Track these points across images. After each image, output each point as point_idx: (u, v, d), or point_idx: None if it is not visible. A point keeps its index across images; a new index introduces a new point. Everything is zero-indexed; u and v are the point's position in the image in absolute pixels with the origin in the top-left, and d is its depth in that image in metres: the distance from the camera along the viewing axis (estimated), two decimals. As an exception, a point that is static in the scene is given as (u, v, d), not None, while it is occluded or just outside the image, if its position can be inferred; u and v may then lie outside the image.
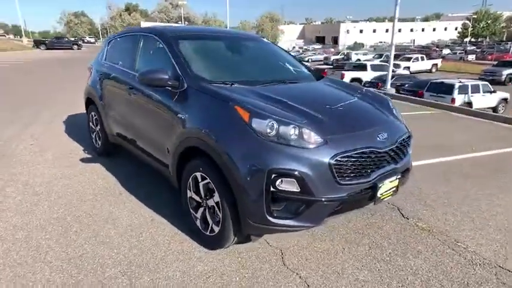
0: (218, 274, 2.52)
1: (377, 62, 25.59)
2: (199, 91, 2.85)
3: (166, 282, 2.43)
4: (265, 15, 76.68)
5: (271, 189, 2.27)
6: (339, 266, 2.64)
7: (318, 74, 3.86)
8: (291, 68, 3.85)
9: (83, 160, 4.77)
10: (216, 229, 2.68)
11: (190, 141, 2.74)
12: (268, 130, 2.30)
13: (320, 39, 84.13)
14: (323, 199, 2.31)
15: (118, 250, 2.77)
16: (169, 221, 3.21)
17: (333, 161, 2.29)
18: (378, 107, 3.06)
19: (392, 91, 13.85)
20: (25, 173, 4.27)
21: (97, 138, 4.92)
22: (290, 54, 4.22)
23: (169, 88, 2.98)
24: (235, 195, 2.40)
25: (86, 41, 72.19)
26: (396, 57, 32.51)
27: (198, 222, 2.88)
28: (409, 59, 29.93)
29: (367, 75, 20.10)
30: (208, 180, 2.62)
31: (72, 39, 56.00)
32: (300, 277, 2.51)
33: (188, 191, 2.90)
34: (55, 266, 2.57)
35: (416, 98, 11.67)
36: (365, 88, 3.61)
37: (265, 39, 4.21)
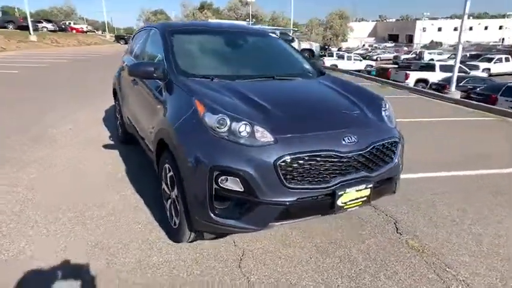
0: (169, 267, 2.52)
1: (450, 62, 23.21)
2: (176, 84, 2.87)
3: (119, 267, 2.50)
4: (335, 12, 74.42)
5: (215, 186, 2.19)
6: (295, 276, 2.46)
7: (320, 72, 3.63)
8: (289, 64, 3.69)
9: (105, 146, 5.14)
10: (177, 222, 2.68)
11: (161, 132, 2.78)
12: (218, 125, 2.23)
13: (393, 37, 79.05)
14: (267, 201, 2.16)
15: (92, 231, 2.93)
16: (151, 211, 3.30)
17: (279, 162, 2.13)
18: (361, 107, 2.75)
19: (457, 95, 12.42)
20: (49, 154, 4.72)
21: (119, 127, 5.26)
22: (298, 51, 4.01)
23: (158, 80, 3.06)
24: (185, 189, 2.37)
25: (161, 38, 77.59)
26: (476, 57, 29.22)
27: (167, 214, 2.92)
28: (490, 60, 26.57)
29: (435, 76, 18.30)
30: (172, 172, 2.63)
31: None
32: (248, 281, 2.39)
33: (162, 181, 2.95)
34: (32, 239, 2.81)
35: (481, 103, 10.27)
36: (359, 87, 3.28)
37: (273, 35, 4.06)
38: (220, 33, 3.77)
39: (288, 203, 2.18)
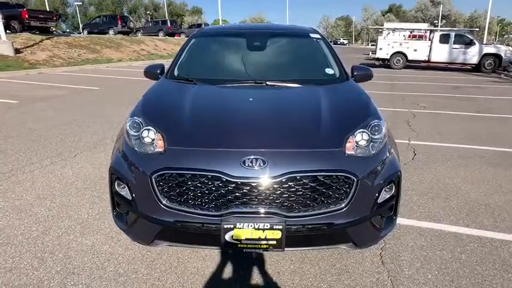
0: (105, 259, 2.45)
1: None
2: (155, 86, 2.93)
3: (69, 261, 2.40)
4: None
5: (115, 190, 2.13)
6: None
7: (345, 77, 2.91)
8: (304, 69, 3.12)
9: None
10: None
11: None
12: (130, 128, 2.13)
13: None
14: (146, 216, 1.93)
15: (60, 233, 2.64)
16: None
17: (155, 176, 1.85)
18: (325, 126, 2.05)
19: None
20: (77, 157, 4.51)
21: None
22: (333, 54, 3.24)
23: None
24: None
25: (339, 42, 78.69)
26: None
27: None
28: None
29: None
30: None
31: (328, 40, 62.53)
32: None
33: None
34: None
35: None
36: (363, 103, 2.43)
37: (315, 35, 3.44)
38: (242, 35, 3.51)
39: (166, 224, 1.88)
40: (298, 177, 1.76)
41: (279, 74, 2.95)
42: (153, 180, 1.84)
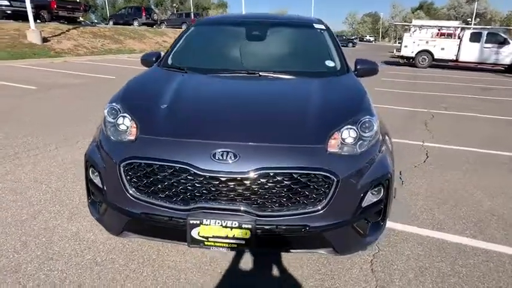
0: (85, 246, 2.33)
1: None
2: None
3: (49, 251, 2.33)
4: None
5: (89, 177, 2.08)
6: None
7: (345, 69, 2.73)
8: (303, 60, 2.96)
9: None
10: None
11: None
12: (108, 115, 2.05)
13: None
14: (114, 206, 1.87)
15: (48, 217, 2.63)
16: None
17: (123, 164, 1.78)
18: (311, 121, 1.90)
19: None
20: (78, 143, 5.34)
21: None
22: (336, 46, 3.05)
23: None
24: None
25: (365, 39, 76.88)
26: None
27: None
28: None
29: None
30: None
31: (353, 37, 61.65)
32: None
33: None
34: None
35: None
36: (357, 96, 2.24)
37: (319, 26, 3.27)
38: (243, 24, 3.37)
39: (130, 215, 1.81)
40: (271, 174, 1.63)
41: (275, 65, 2.81)
42: (121, 169, 1.77)
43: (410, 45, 17.28)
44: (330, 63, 2.84)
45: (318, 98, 2.12)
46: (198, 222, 1.67)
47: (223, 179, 1.64)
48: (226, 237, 1.69)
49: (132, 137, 1.85)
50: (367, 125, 1.86)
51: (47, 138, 4.40)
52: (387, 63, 19.84)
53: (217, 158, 1.66)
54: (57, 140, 4.37)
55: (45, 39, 14.72)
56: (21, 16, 15.41)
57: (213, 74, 2.63)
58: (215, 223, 1.66)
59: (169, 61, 2.90)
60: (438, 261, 2.28)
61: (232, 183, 1.65)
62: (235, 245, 1.70)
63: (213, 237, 1.69)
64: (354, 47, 48.17)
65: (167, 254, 2.26)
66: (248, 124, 1.90)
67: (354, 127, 1.82)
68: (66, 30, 17.01)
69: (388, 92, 9.17)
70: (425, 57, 17.05)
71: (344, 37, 57.06)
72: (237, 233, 1.67)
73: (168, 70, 2.74)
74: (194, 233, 1.69)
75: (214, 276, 2.07)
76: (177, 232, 1.75)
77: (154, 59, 3.06)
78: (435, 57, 16.91)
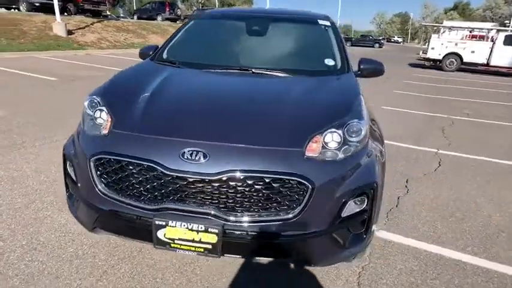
0: (70, 239, 2.33)
1: None
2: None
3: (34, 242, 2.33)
4: None
5: (66, 170, 2.07)
6: None
7: (342, 71, 2.60)
8: (301, 59, 2.84)
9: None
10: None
11: None
12: (87, 107, 1.99)
13: None
14: (85, 201, 1.85)
15: (40, 207, 2.67)
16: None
17: (93, 159, 1.73)
18: (291, 123, 1.79)
19: None
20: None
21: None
22: (340, 45, 2.90)
23: None
24: None
25: (392, 40, 74.82)
26: None
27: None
28: None
29: None
30: None
31: (380, 38, 60.27)
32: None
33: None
34: None
35: None
36: (349, 100, 2.07)
37: (324, 22, 3.12)
38: (244, 19, 3.27)
39: (99, 211, 1.78)
40: (241, 177, 1.54)
41: (271, 62, 2.71)
42: (92, 164, 1.73)
43: (437, 47, 16.58)
44: (329, 62, 2.71)
45: (306, 98, 2.00)
46: (163, 223, 1.61)
47: (190, 179, 1.57)
48: (193, 241, 1.62)
49: (106, 132, 1.81)
50: (354, 129, 1.73)
51: (56, 129, 4.49)
52: (412, 65, 19.17)
53: (186, 157, 1.58)
54: (65, 131, 4.44)
55: (69, 32, 15.16)
56: (49, 9, 15.89)
57: (205, 69, 2.56)
58: (181, 225, 1.59)
59: (164, 55, 2.85)
60: (432, 278, 2.13)
61: (200, 185, 1.57)
62: (202, 250, 1.63)
63: (179, 239, 1.63)
64: (380, 47, 46.96)
65: (149, 252, 2.23)
66: (223, 123, 1.81)
67: (339, 131, 1.70)
68: (91, 24, 17.45)
69: (409, 96, 8.83)
70: (453, 60, 16.31)
71: (371, 37, 55.73)
72: (204, 237, 1.59)
73: (159, 64, 2.69)
74: (160, 234, 1.63)
75: (191, 279, 2.02)
76: (145, 232, 1.70)
77: (151, 52, 3.03)
78: (464, 60, 16.14)
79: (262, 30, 3.07)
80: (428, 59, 17.00)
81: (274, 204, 1.59)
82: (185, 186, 1.59)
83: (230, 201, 1.59)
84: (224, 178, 1.55)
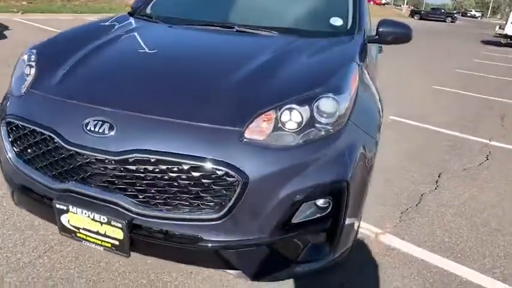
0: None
1: None
2: None
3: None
4: None
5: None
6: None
7: (351, 33, 2.08)
8: (312, 18, 2.32)
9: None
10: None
11: None
12: (20, 61, 1.73)
13: None
14: (2, 171, 1.65)
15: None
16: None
17: (3, 122, 1.51)
18: (258, 94, 1.37)
19: None
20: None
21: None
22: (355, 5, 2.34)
23: None
24: None
25: (469, 14, 66.86)
26: None
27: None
28: None
29: None
30: None
31: (454, 11, 54.55)
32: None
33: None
34: None
35: None
36: (337, 70, 1.55)
37: None
38: None
39: (12, 186, 1.57)
40: (152, 160, 1.20)
41: (263, 19, 2.24)
42: (3, 128, 1.50)
43: (519, 22, 14.25)
44: (336, 22, 2.17)
45: (274, 64, 1.56)
46: (65, 208, 1.34)
47: (90, 157, 1.27)
48: (98, 233, 1.33)
49: (24, 90, 1.55)
50: (327, 105, 1.28)
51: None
52: (485, 42, 16.75)
53: (88, 128, 1.27)
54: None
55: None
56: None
57: (182, 25, 2.19)
58: (82, 213, 1.31)
59: (148, 10, 2.51)
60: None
61: (103, 166, 1.26)
62: (109, 245, 1.34)
63: (84, 229, 1.36)
64: (453, 22, 42.15)
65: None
66: (146, 89, 1.45)
67: (304, 107, 1.26)
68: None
69: (473, 76, 7.65)
70: (538, 37, 13.95)
71: (442, 10, 50.39)
72: (108, 230, 1.30)
73: (135, 19, 2.36)
74: (64, 219, 1.37)
75: (137, 265, 1.78)
76: (47, 213, 1.47)
77: (140, 4, 2.62)
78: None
79: None
80: (505, 36, 14.70)
81: (197, 199, 1.23)
82: (86, 165, 1.29)
83: (141, 189, 1.26)
84: (130, 159, 1.22)
